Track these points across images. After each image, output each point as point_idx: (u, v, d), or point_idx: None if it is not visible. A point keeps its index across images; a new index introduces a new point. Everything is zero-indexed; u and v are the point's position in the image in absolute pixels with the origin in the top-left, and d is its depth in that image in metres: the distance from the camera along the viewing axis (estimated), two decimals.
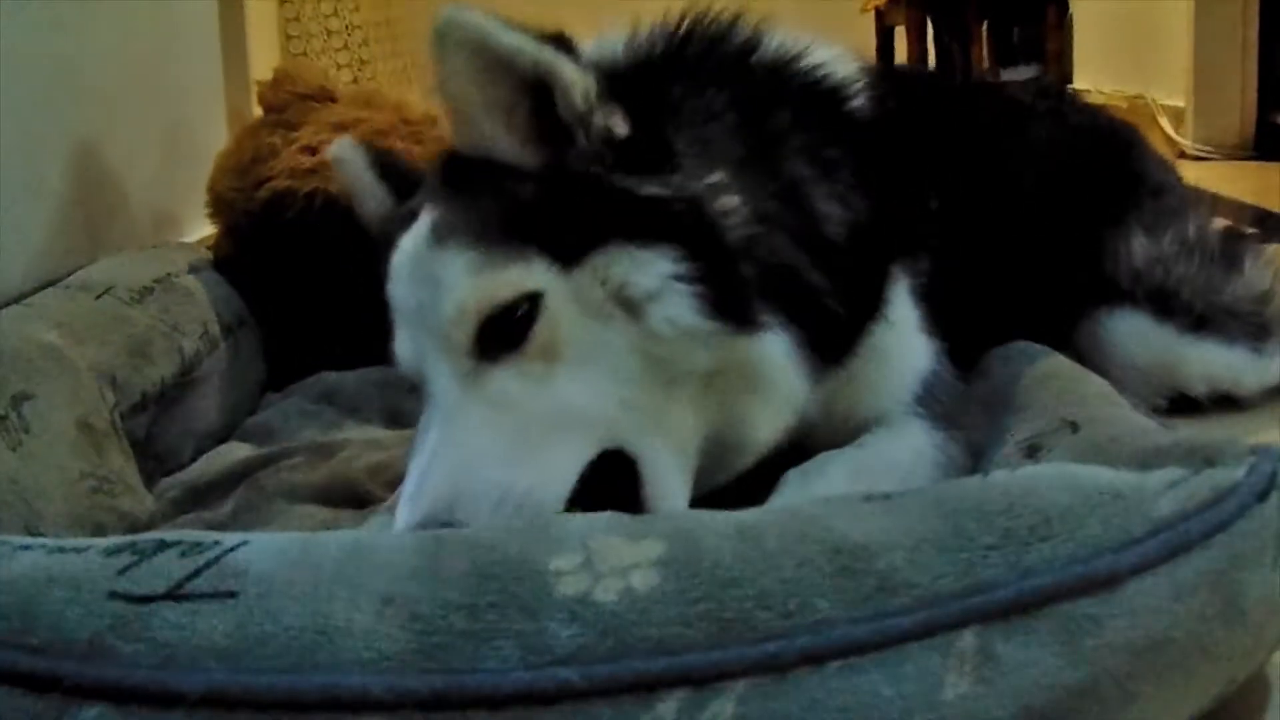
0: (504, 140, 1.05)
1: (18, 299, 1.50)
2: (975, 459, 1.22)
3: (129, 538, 0.73)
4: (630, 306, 1.01)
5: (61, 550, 0.71)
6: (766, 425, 1.10)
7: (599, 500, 0.96)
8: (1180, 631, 0.67)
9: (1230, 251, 1.63)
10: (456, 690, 0.63)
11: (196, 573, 0.68)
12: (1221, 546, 0.70)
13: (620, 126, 1.06)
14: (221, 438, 1.66)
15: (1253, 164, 3.90)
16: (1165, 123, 4.31)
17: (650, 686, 0.63)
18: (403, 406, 1.66)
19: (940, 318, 1.29)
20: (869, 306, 1.21)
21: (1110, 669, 0.66)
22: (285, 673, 0.64)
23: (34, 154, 1.68)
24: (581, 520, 0.75)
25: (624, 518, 0.75)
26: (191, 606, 0.66)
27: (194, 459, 1.57)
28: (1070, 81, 5.02)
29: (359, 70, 3.55)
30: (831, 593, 0.66)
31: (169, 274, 1.70)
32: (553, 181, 1.04)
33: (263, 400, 1.84)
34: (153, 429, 1.50)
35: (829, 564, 0.68)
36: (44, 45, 1.73)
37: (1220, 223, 1.77)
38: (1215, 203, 2.13)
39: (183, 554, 0.70)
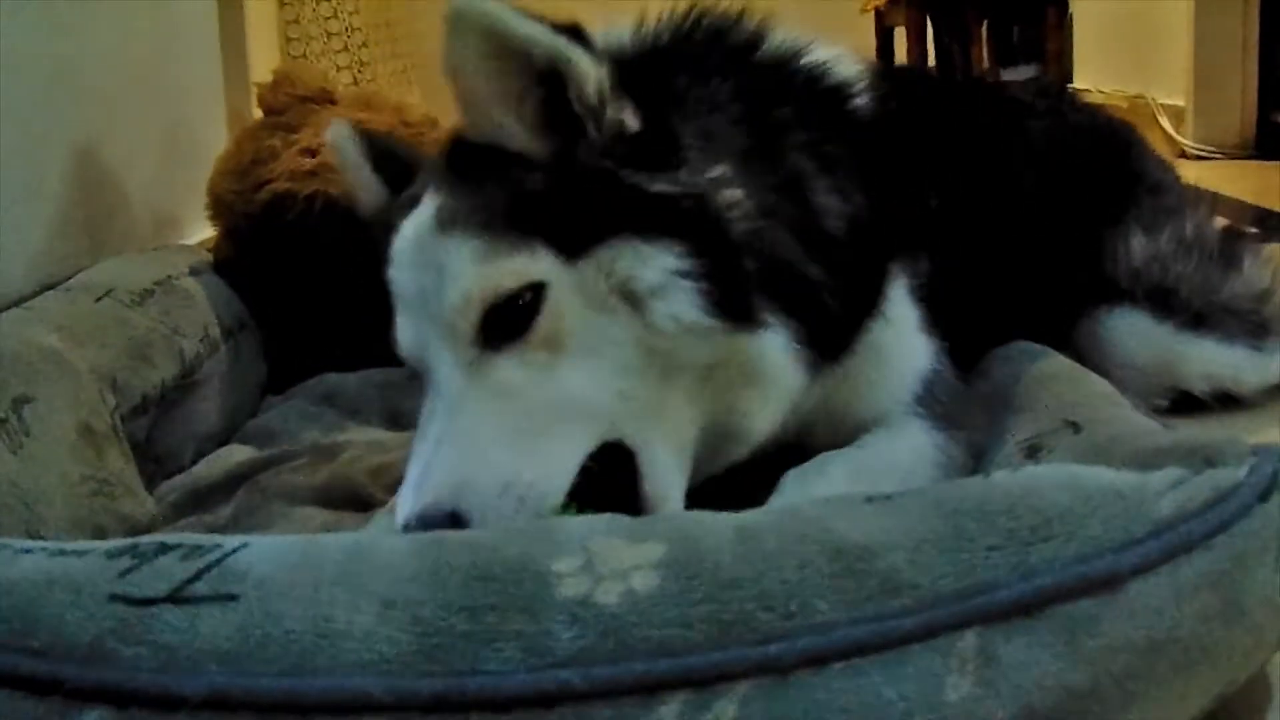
0: (512, 128, 1.05)
1: (18, 302, 1.50)
2: (976, 459, 1.22)
3: (130, 540, 0.73)
4: (634, 300, 1.02)
5: (63, 553, 0.71)
6: (762, 417, 1.11)
7: (598, 491, 0.97)
8: (1181, 632, 0.67)
9: (1229, 250, 1.63)
10: (458, 692, 0.63)
11: (197, 575, 0.68)
12: (1223, 547, 0.70)
13: (631, 120, 1.06)
14: (222, 440, 1.67)
15: (1253, 163, 3.90)
16: (1165, 122, 4.31)
17: (652, 688, 0.63)
18: (403, 408, 1.66)
19: (940, 317, 1.29)
20: (867, 302, 1.21)
21: (1111, 670, 0.66)
22: (286, 675, 0.64)
23: (34, 156, 1.68)
24: (582, 522, 0.75)
25: (624, 519, 0.75)
26: (193, 609, 0.66)
27: (195, 461, 1.57)
28: (1070, 81, 5.02)
29: (359, 72, 3.55)
30: (832, 594, 0.66)
31: (169, 276, 1.70)
32: (560, 172, 1.05)
33: (263, 402, 1.84)
34: (153, 431, 1.50)
35: (830, 565, 0.68)
36: (43, 46, 1.73)
37: (1220, 222, 1.77)
38: (1215, 202, 2.12)
39: (184, 557, 0.69)
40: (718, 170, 1.09)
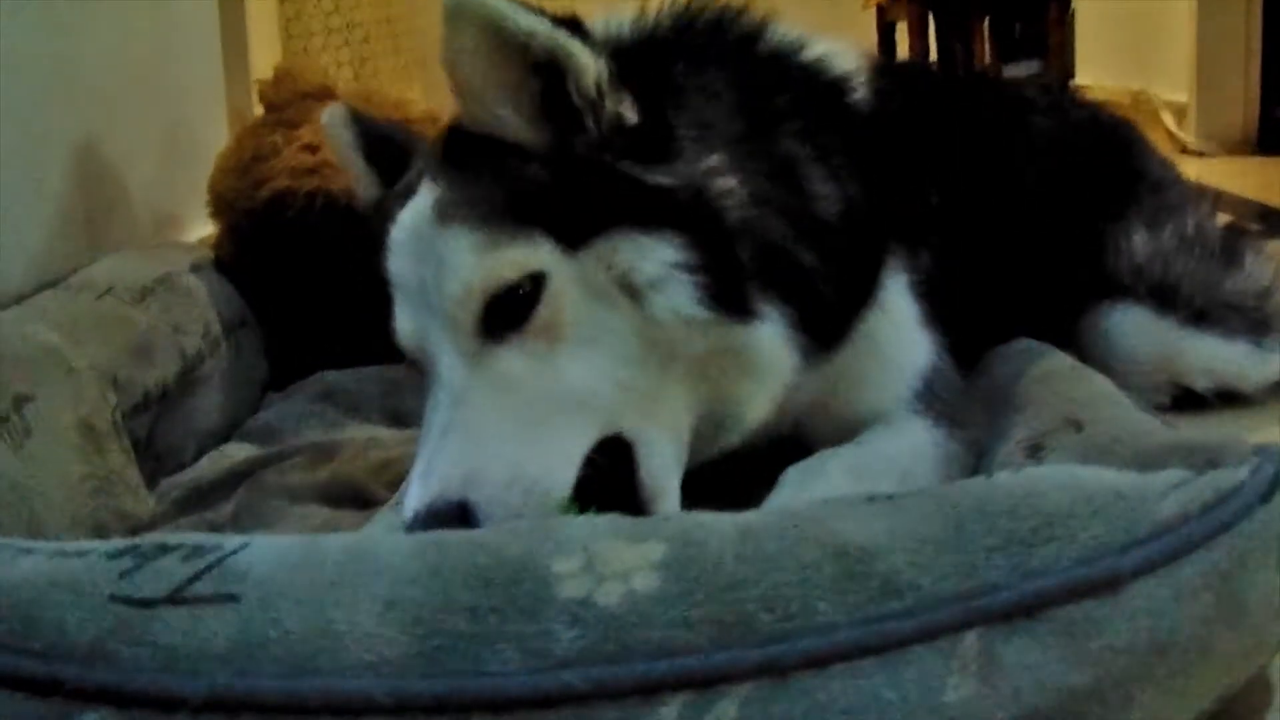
0: (511, 119, 1.06)
1: (18, 299, 1.50)
2: (977, 457, 1.22)
3: (131, 541, 0.73)
4: (632, 292, 1.02)
5: (64, 554, 0.71)
6: (756, 405, 1.12)
7: (597, 483, 0.98)
8: (1183, 633, 0.67)
9: (1230, 247, 1.63)
10: (459, 694, 0.63)
11: (198, 576, 0.68)
12: (1224, 548, 0.70)
13: (630, 113, 1.06)
14: (223, 438, 1.67)
15: (1255, 159, 3.89)
16: (1168, 118, 4.30)
17: (652, 689, 0.63)
18: (404, 406, 1.66)
19: (942, 313, 1.29)
20: (862, 291, 1.21)
21: (1113, 671, 0.66)
22: (287, 677, 0.63)
23: (34, 153, 1.67)
24: (583, 523, 0.75)
25: (625, 520, 0.75)
26: (193, 610, 0.66)
27: (195, 459, 1.57)
28: (1072, 77, 5.01)
29: (360, 68, 3.55)
30: (833, 595, 0.66)
31: (170, 274, 1.70)
32: (559, 164, 1.05)
33: (264, 400, 1.84)
34: (154, 429, 1.50)
35: (831, 566, 0.67)
36: (44, 44, 1.73)
37: (1222, 219, 1.77)
38: (1217, 198, 2.12)
39: (184, 557, 0.69)
40: (713, 160, 1.09)
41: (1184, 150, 4.01)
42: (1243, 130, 4.05)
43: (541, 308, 1.01)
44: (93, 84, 1.89)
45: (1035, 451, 1.09)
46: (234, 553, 0.70)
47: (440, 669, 0.64)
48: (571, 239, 1.02)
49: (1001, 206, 1.47)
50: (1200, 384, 1.56)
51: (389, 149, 1.25)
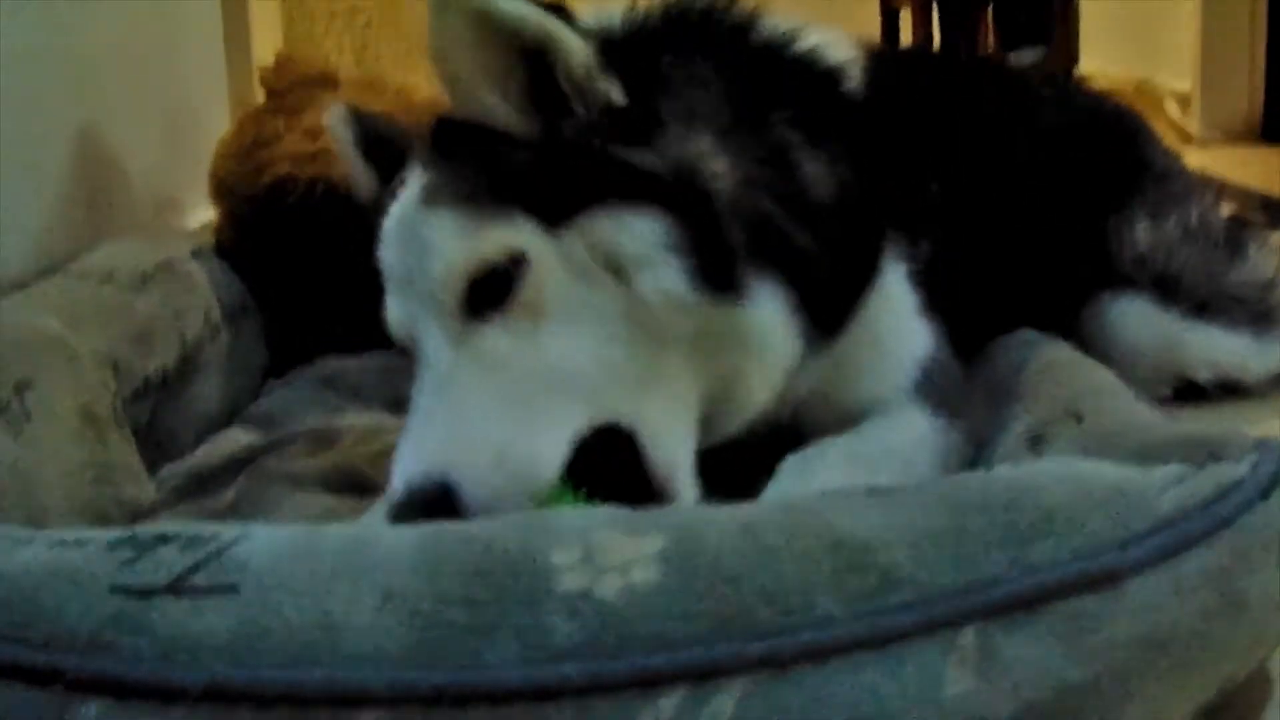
0: (499, 107, 1.06)
1: (19, 285, 1.50)
2: (977, 448, 1.22)
3: (130, 531, 0.73)
4: (617, 270, 1.02)
5: (63, 544, 0.71)
6: (759, 387, 1.11)
7: (603, 479, 0.97)
8: (1182, 629, 0.67)
9: (1234, 238, 1.63)
10: (457, 686, 0.63)
11: (197, 566, 0.68)
12: (1224, 543, 0.69)
13: (617, 95, 1.07)
14: (223, 424, 1.66)
15: (1260, 149, 3.88)
16: (1172, 107, 4.29)
17: (651, 683, 0.63)
18: (405, 392, 1.66)
19: (942, 303, 1.29)
20: (861, 275, 1.21)
21: (1112, 666, 0.65)
22: (286, 668, 0.63)
23: (34, 139, 1.67)
24: (581, 514, 0.75)
25: (624, 512, 0.75)
26: (192, 601, 0.66)
27: (196, 445, 1.57)
28: (1076, 65, 4.99)
29: (362, 54, 3.54)
30: (832, 589, 0.66)
31: (171, 260, 1.70)
32: (545, 148, 1.05)
33: (265, 386, 1.84)
34: (155, 416, 1.50)
35: (830, 560, 0.67)
36: (45, 29, 1.72)
37: (1227, 209, 1.76)
38: (1222, 188, 2.11)
39: (183, 548, 0.69)
40: (701, 143, 1.09)
41: (1188, 139, 4.00)
42: (1247, 119, 4.04)
43: (523, 286, 1.01)
44: (94, 70, 1.89)
45: (1036, 443, 1.08)
46: (233, 543, 0.70)
47: (438, 661, 0.64)
48: (554, 218, 1.02)
49: (1004, 196, 1.47)
50: (1202, 375, 1.56)
51: (388, 148, 1.27)
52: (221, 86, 2.54)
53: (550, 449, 0.97)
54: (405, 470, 0.96)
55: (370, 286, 1.14)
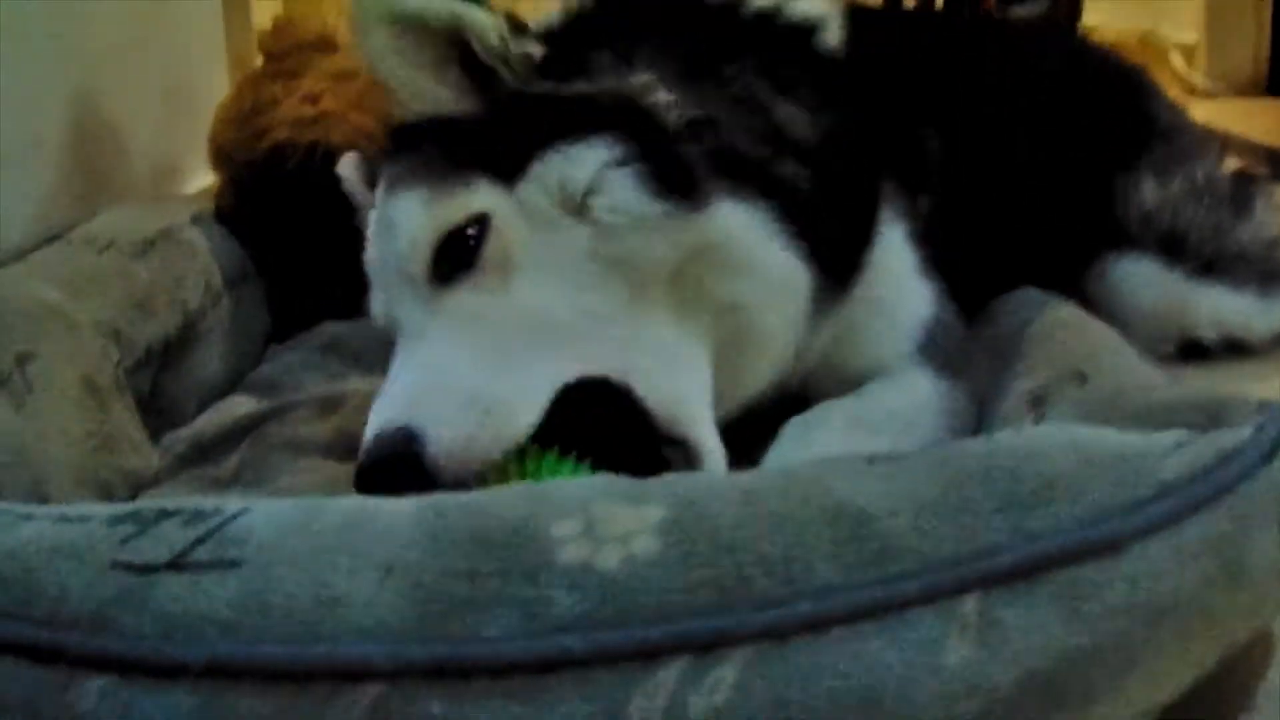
0: (442, 95, 1.09)
1: (18, 254, 1.50)
2: (980, 408, 1.22)
3: (131, 506, 0.73)
4: (576, 208, 1.02)
5: (65, 519, 0.71)
6: (768, 310, 1.08)
7: (601, 438, 0.96)
8: (1183, 596, 0.67)
9: (1241, 195, 1.62)
10: (458, 659, 0.63)
11: (198, 542, 0.68)
12: (1226, 509, 0.69)
13: (536, 49, 1.09)
14: (225, 391, 1.66)
15: (1266, 102, 3.85)
16: (1176, 59, 4.25)
17: (652, 654, 0.63)
18: None
19: (944, 262, 1.28)
20: (859, 216, 1.19)
21: (1113, 633, 0.65)
22: (288, 643, 0.64)
23: (32, 106, 1.66)
24: (581, 484, 0.74)
25: (625, 481, 0.75)
26: (193, 577, 0.66)
27: (199, 413, 1.57)
28: (1080, 18, 4.94)
29: None
30: (833, 558, 0.66)
31: (171, 227, 1.69)
32: (486, 110, 1.08)
33: (266, 351, 1.84)
34: (156, 384, 1.50)
35: (831, 529, 0.67)
36: None
37: (1232, 163, 1.75)
38: (1227, 142, 2.10)
39: (184, 523, 0.69)
40: (642, 77, 1.08)
41: (1193, 92, 3.97)
42: (1253, 72, 4.00)
43: (488, 244, 1.01)
44: (92, 35, 1.87)
45: (1039, 403, 1.08)
46: (234, 517, 0.70)
47: (439, 634, 0.64)
48: (509, 171, 1.03)
49: (1007, 152, 1.46)
50: (1207, 335, 1.55)
51: None
52: (220, 51, 2.52)
53: (526, 396, 0.95)
54: (377, 419, 0.95)
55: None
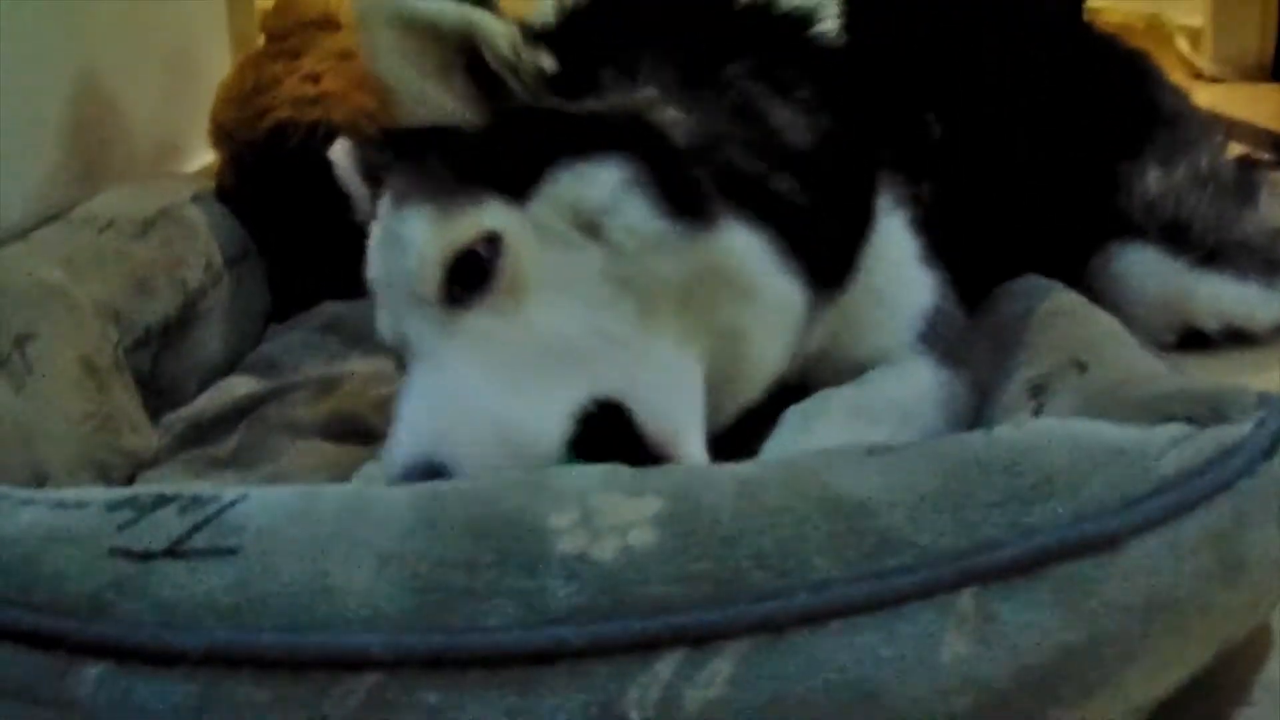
0: (447, 103, 1.05)
1: (19, 233, 1.49)
2: (981, 396, 1.21)
3: (129, 492, 0.73)
4: (589, 226, 1.00)
5: (64, 505, 0.71)
6: (763, 336, 1.08)
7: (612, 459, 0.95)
8: (1181, 592, 0.67)
9: (1245, 184, 1.61)
10: (455, 649, 0.63)
11: (196, 529, 0.68)
12: (1225, 506, 0.69)
13: (547, 62, 1.06)
14: (225, 370, 1.67)
15: (1271, 87, 3.83)
16: (1182, 43, 4.23)
17: (648, 646, 0.63)
18: None
19: (945, 249, 1.27)
20: (855, 220, 1.18)
21: (1110, 629, 0.65)
22: (285, 631, 0.64)
23: (33, 85, 1.66)
24: (579, 474, 0.74)
25: (623, 471, 0.75)
26: (191, 564, 0.66)
27: (199, 392, 1.57)
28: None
29: None
30: (830, 551, 0.66)
31: (171, 206, 1.69)
32: (497, 126, 1.05)
33: (266, 331, 1.84)
34: (156, 364, 1.50)
35: (828, 522, 0.67)
36: None
37: (1236, 150, 1.75)
38: (1231, 127, 2.09)
39: (182, 510, 0.69)
40: (647, 92, 1.07)
41: (1198, 76, 3.95)
42: (1259, 57, 3.98)
43: (502, 265, 0.99)
44: (94, 12, 1.86)
45: (1039, 392, 1.08)
46: (232, 505, 0.70)
47: (437, 624, 0.64)
48: (519, 189, 1.01)
49: (1010, 138, 1.44)
50: (1210, 325, 1.55)
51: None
52: (222, 30, 2.51)
53: (550, 424, 0.94)
54: (400, 456, 0.93)
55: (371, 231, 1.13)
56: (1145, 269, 1.52)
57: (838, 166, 1.15)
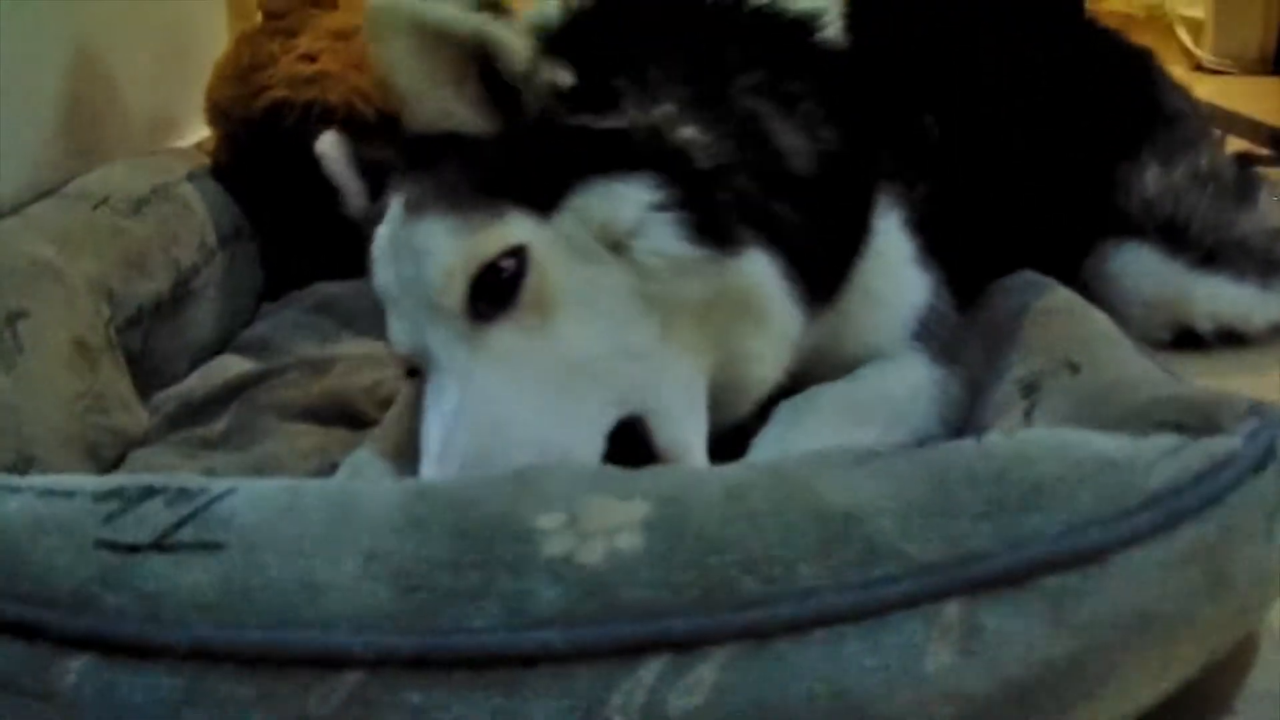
0: (459, 112, 1.03)
1: (13, 208, 1.49)
2: (974, 393, 1.21)
3: (116, 481, 0.72)
4: (616, 244, 0.99)
5: (51, 494, 0.71)
6: (766, 359, 1.08)
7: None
8: (1168, 606, 0.67)
9: (1244, 184, 1.61)
10: (439, 650, 0.63)
11: (182, 522, 0.68)
12: (1213, 520, 0.69)
13: (565, 77, 1.04)
14: (218, 349, 1.67)
15: (1272, 80, 3.82)
16: (1184, 34, 4.22)
17: (633, 650, 0.63)
18: None
19: (940, 248, 1.27)
20: (851, 241, 1.18)
21: (1095, 642, 0.65)
22: (270, 628, 0.64)
23: (28, 60, 1.64)
24: (567, 476, 0.73)
25: (611, 473, 0.74)
26: (177, 558, 0.66)
27: (189, 372, 1.57)
28: None
29: None
30: (816, 559, 0.66)
31: (166, 184, 1.69)
32: (514, 137, 1.03)
33: (259, 310, 1.84)
34: (147, 342, 1.50)
35: (815, 530, 0.67)
36: None
37: (1235, 146, 1.74)
38: (1231, 121, 2.09)
39: (169, 502, 0.69)
40: (665, 109, 1.05)
41: (1199, 68, 3.94)
42: (1260, 49, 3.97)
43: (528, 280, 0.97)
44: None
45: (1030, 391, 1.07)
46: (219, 498, 0.70)
47: (421, 624, 0.64)
48: (544, 203, 0.99)
49: (1009, 136, 1.44)
50: (1206, 326, 1.55)
51: (379, 170, 1.23)
52: (220, 7, 2.49)
53: (589, 444, 0.94)
54: (441, 473, 0.92)
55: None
56: (1142, 268, 1.52)
57: (839, 189, 1.14)
